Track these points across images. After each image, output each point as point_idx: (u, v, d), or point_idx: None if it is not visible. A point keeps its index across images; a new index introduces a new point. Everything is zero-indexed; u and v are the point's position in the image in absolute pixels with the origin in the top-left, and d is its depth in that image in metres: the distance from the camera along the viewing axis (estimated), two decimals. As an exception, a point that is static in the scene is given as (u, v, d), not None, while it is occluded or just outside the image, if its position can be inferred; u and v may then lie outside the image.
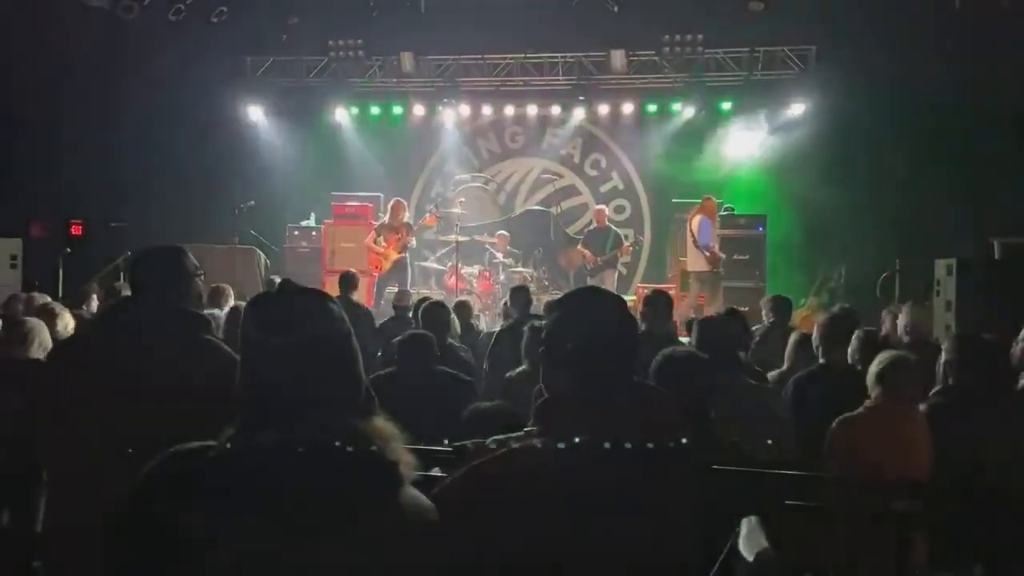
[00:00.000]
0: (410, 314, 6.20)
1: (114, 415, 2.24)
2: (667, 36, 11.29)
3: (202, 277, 2.67)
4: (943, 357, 3.52)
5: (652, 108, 12.46)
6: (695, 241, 10.10)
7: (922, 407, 3.37)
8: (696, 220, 10.12)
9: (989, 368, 3.42)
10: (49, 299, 5.55)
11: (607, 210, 11.94)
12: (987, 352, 3.48)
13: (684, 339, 5.88)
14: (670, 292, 10.92)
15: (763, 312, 6.32)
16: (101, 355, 2.47)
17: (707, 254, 10.05)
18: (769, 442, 3.18)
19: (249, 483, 1.25)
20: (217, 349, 2.51)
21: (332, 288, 7.78)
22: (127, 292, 5.09)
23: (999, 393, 3.39)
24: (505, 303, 6.99)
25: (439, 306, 5.21)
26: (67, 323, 4.67)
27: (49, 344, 3.94)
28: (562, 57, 12.31)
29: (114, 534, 1.31)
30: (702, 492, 1.59)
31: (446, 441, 2.46)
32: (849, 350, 4.14)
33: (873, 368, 3.33)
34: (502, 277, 11.22)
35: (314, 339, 1.37)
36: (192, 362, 2.40)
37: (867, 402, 3.32)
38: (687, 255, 10.42)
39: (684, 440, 1.56)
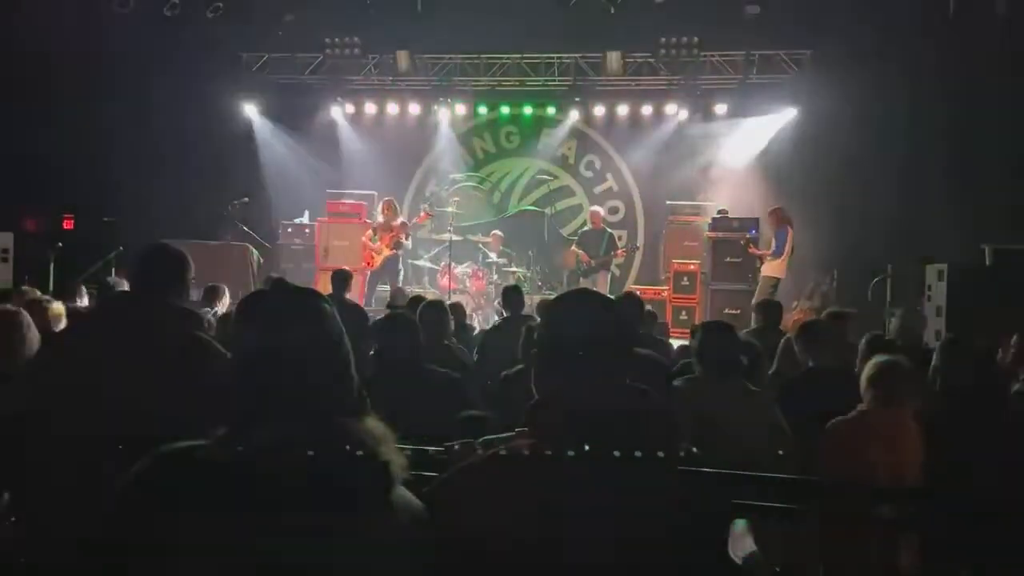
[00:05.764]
0: (404, 312, 6.18)
1: (106, 410, 2.24)
2: (663, 38, 11.27)
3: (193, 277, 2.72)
4: (934, 362, 3.54)
5: (647, 110, 12.47)
6: (792, 248, 9.93)
7: (913, 411, 3.38)
8: (788, 230, 9.97)
9: (979, 373, 3.43)
10: (39, 293, 5.52)
11: (602, 212, 11.96)
12: (977, 357, 3.50)
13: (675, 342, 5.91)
14: (663, 293, 11.11)
15: (753, 315, 6.34)
16: (97, 351, 2.48)
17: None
18: (780, 453, 3.19)
19: (239, 483, 1.25)
20: (212, 347, 2.53)
21: (325, 286, 7.78)
22: (122, 287, 5.07)
23: (988, 398, 3.41)
24: (498, 303, 7.01)
25: (435, 305, 5.20)
26: (59, 317, 4.64)
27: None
28: (558, 58, 12.31)
29: (104, 533, 1.31)
30: (688, 496, 1.59)
31: (437, 442, 2.46)
32: (859, 356, 4.17)
33: (866, 372, 3.34)
34: (495, 277, 11.23)
35: (306, 339, 1.37)
36: (188, 360, 2.42)
37: (859, 406, 3.33)
38: (768, 261, 10.13)
39: (673, 444, 1.57)
